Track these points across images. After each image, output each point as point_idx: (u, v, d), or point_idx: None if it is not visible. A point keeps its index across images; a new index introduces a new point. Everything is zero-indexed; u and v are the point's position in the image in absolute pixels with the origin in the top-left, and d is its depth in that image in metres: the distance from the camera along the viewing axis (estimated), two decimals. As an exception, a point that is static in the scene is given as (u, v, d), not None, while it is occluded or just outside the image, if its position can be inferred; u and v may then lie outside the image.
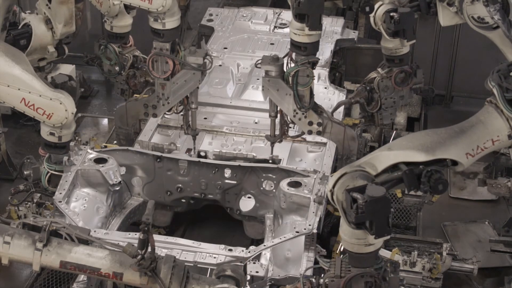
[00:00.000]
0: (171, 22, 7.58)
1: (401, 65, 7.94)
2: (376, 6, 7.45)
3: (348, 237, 5.08)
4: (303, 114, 7.53)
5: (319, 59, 7.40)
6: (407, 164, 5.00)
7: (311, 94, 7.52)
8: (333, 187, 5.04)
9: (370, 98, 8.20)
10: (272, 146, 7.81)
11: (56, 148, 7.17)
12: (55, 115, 6.82)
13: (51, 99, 6.74)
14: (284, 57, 7.43)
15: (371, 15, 7.48)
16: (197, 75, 7.71)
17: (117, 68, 8.74)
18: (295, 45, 7.23)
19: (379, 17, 7.45)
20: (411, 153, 4.98)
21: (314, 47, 7.22)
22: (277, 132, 7.78)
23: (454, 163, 5.09)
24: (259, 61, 7.46)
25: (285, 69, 7.44)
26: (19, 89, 6.69)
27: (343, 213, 4.98)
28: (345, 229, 5.09)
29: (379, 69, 8.05)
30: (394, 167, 5.03)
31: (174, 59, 7.70)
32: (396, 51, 7.78)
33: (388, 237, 5.00)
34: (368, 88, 8.17)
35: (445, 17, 5.78)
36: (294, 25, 7.07)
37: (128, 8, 8.36)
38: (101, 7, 8.26)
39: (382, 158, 5.07)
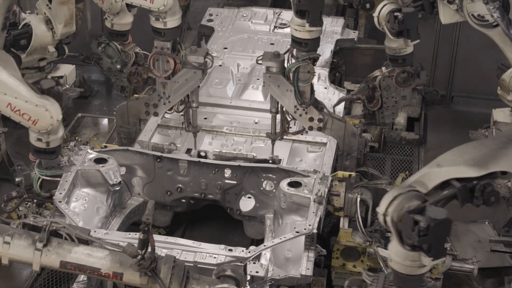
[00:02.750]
0: (172, 21, 7.59)
1: (404, 65, 7.93)
2: (379, 6, 7.46)
3: (402, 259, 5.03)
4: (303, 110, 7.54)
5: (320, 55, 7.42)
6: (459, 180, 4.96)
7: (312, 90, 7.54)
8: (386, 210, 5.01)
9: (371, 96, 8.21)
10: (273, 144, 7.80)
11: (45, 153, 7.14)
12: (41, 122, 6.81)
13: (36, 105, 6.73)
14: (285, 53, 7.45)
15: (375, 15, 7.48)
16: (198, 74, 7.72)
17: (118, 66, 8.74)
18: (296, 41, 7.25)
19: (383, 17, 7.45)
20: (463, 169, 4.90)
21: (314, 43, 7.24)
22: (277, 130, 7.78)
23: (503, 172, 5.04)
24: (260, 57, 7.47)
25: (286, 66, 7.44)
26: (5, 94, 6.69)
27: (398, 235, 4.96)
28: (397, 250, 5.02)
29: (383, 68, 8.05)
30: (444, 183, 5.00)
31: (175, 58, 7.71)
32: (400, 51, 7.79)
33: (444, 259, 4.94)
34: (370, 86, 8.17)
35: (446, 15, 5.79)
36: (294, 21, 7.09)
37: (129, 6, 8.36)
38: (103, 4, 8.27)
39: (432, 176, 5.00)
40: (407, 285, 5.18)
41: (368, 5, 6.81)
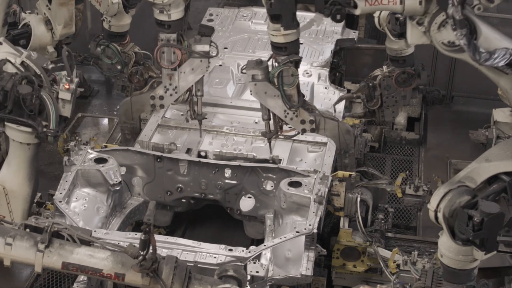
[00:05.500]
0: (176, 13, 7.68)
1: (404, 66, 7.91)
2: None
3: (454, 254, 5.14)
4: (294, 113, 7.47)
5: (301, 58, 7.25)
6: (508, 174, 5.01)
7: (299, 93, 7.46)
8: (438, 205, 5.06)
9: (371, 95, 8.19)
10: (269, 142, 7.74)
11: None
12: None
13: None
14: (268, 59, 7.38)
15: (375, 16, 7.44)
16: (204, 63, 7.78)
17: (119, 67, 8.74)
18: (275, 47, 7.15)
19: (384, 18, 7.41)
20: None
21: (293, 46, 7.11)
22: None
23: None
24: (244, 66, 7.43)
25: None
26: None
27: (450, 230, 5.01)
28: (449, 246, 5.14)
29: (384, 67, 8.02)
30: (492, 178, 5.05)
31: (182, 48, 7.75)
32: (401, 52, 7.75)
33: (495, 252, 5.05)
34: (370, 84, 8.14)
35: (413, 36, 5.72)
36: (270, 27, 7.00)
37: (126, 7, 8.39)
38: (100, 6, 8.28)
39: (481, 171, 5.10)
40: (458, 280, 5.28)
41: (338, 16, 6.56)
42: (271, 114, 7.49)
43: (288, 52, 7.09)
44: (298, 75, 7.22)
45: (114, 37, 8.64)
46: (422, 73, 8.03)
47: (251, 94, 7.45)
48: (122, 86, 8.96)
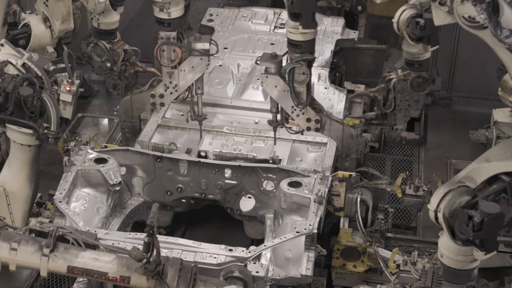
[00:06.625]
0: (176, 11, 7.74)
1: (420, 70, 7.90)
2: (399, 12, 7.41)
3: (454, 254, 5.16)
4: (301, 110, 7.54)
5: (314, 58, 7.38)
6: (508, 174, 5.04)
7: (308, 91, 7.53)
8: (438, 206, 5.08)
9: (385, 98, 8.21)
10: (275, 131, 7.77)
11: None
12: None
13: None
14: (284, 55, 7.46)
15: (394, 21, 7.44)
16: (204, 60, 7.81)
17: (108, 64, 8.76)
18: (291, 44, 7.27)
19: (403, 22, 7.41)
20: None
21: (308, 45, 7.23)
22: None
23: None
24: (259, 58, 7.50)
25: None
26: None
27: (450, 230, 5.02)
28: (449, 246, 5.16)
29: (399, 70, 8.01)
30: (492, 178, 5.07)
31: (182, 46, 7.77)
32: (418, 56, 7.75)
33: (495, 252, 5.06)
34: (389, 87, 8.15)
35: (438, 17, 5.80)
36: (289, 24, 7.13)
37: (114, 5, 8.42)
38: (87, 4, 8.33)
39: (481, 171, 5.12)
40: (458, 280, 5.30)
41: (359, 8, 6.68)
42: (280, 109, 7.56)
43: (303, 51, 7.21)
44: (309, 74, 7.32)
45: (103, 34, 8.67)
46: (437, 79, 8.03)
47: (261, 85, 7.51)
48: (113, 84, 8.98)
